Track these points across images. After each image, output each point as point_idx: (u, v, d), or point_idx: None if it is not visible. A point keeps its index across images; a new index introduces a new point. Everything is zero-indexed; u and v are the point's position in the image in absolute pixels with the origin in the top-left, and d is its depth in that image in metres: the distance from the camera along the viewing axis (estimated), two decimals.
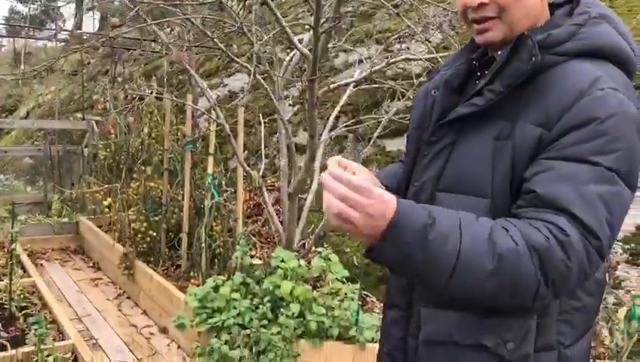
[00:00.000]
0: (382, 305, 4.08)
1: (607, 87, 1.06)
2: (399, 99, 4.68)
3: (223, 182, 4.61)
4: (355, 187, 0.95)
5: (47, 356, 3.09)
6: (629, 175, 1.04)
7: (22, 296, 3.98)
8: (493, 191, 1.10)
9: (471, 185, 1.12)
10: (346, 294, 3.37)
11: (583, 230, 0.99)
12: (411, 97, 3.70)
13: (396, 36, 4.78)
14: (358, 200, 0.94)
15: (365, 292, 3.75)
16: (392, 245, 0.97)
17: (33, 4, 17.16)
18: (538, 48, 1.09)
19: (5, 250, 5.10)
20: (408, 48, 5.82)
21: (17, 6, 17.73)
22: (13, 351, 3.13)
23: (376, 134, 3.67)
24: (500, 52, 1.17)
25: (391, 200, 0.97)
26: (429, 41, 5.84)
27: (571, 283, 1.01)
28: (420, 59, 3.40)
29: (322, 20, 2.51)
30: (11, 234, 3.70)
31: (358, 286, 3.38)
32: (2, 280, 4.24)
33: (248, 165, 4.95)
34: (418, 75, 4.76)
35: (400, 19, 5.91)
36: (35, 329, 3.15)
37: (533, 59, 1.08)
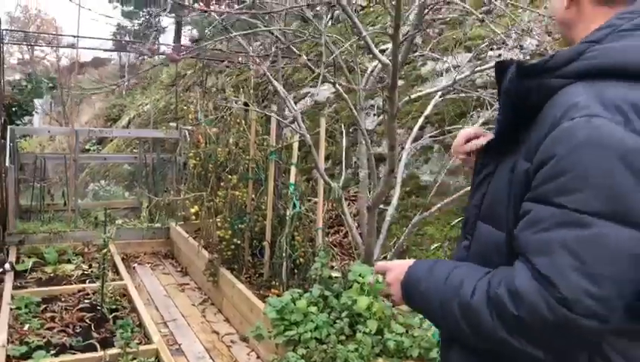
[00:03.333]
0: None
1: (581, 115, 0.92)
2: (487, 109, 4.47)
3: (306, 192, 4.62)
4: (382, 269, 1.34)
5: (132, 359, 3.20)
6: (617, 214, 0.88)
7: (113, 298, 4.17)
8: (508, 227, 1.06)
9: (494, 218, 1.11)
10: None
11: (540, 279, 0.92)
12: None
13: (487, 43, 4.58)
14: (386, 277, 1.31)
15: None
16: (404, 297, 1.25)
17: (138, 19, 18.32)
18: (543, 71, 1.01)
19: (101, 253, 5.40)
20: (500, 56, 5.58)
21: (124, 21, 19.00)
22: (102, 352, 3.27)
23: None
24: None
25: (403, 266, 1.25)
26: (522, 47, 5.57)
27: (536, 333, 0.94)
28: None
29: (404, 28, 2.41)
30: (104, 239, 3.89)
31: None
32: (96, 283, 4.48)
33: (332, 175, 4.93)
34: None
35: (492, 26, 5.67)
36: (122, 333, 3.28)
37: (509, 85, 1.03)
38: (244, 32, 3.17)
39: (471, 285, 1.04)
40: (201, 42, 2.24)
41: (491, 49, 5.56)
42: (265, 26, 3.63)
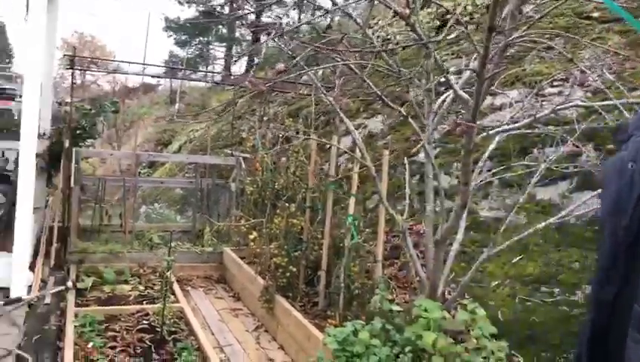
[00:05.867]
0: None
1: None
2: (551, 146, 4.42)
3: (362, 223, 4.62)
4: None
5: None
6: None
7: (172, 320, 4.23)
8: None
9: None
10: (492, 352, 3.17)
11: None
12: (573, 144, 3.46)
13: (550, 80, 4.55)
14: None
15: (512, 352, 3.49)
16: None
17: (190, 47, 18.89)
18: None
19: (157, 274, 5.49)
20: (560, 92, 5.53)
21: (176, 49, 19.63)
22: None
23: (533, 181, 3.46)
24: None
25: None
26: (583, 85, 5.51)
27: None
28: (589, 105, 3.16)
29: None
30: (167, 261, 3.96)
31: (503, 343, 3.16)
32: (155, 303, 4.55)
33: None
34: (572, 122, 4.48)
35: (553, 63, 5.63)
36: (185, 356, 3.31)
37: None
38: (325, 66, 3.25)
39: None
40: (284, 74, 2.31)
41: (551, 85, 5.54)
42: (328, 56, 3.73)
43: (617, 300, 1.05)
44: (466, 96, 2.47)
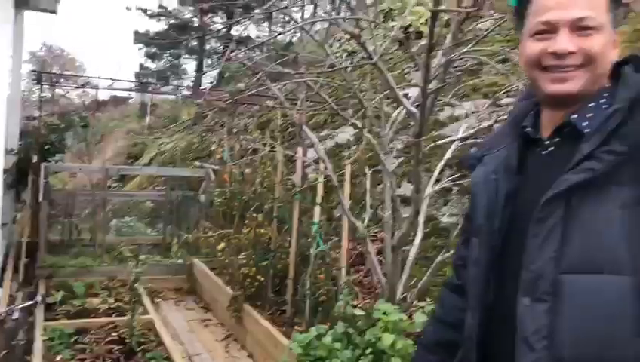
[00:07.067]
0: None
1: None
2: None
3: (328, 231, 4.76)
4: None
5: None
6: None
7: (140, 332, 4.29)
8: (635, 266, 1.00)
9: (603, 262, 1.01)
10: None
11: None
12: None
13: (504, 91, 4.78)
14: None
15: None
16: None
17: (160, 60, 18.91)
18: None
19: (127, 287, 5.54)
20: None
21: (146, 62, 19.61)
22: None
23: None
24: (575, 115, 1.11)
25: None
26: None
27: None
28: None
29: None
30: (135, 273, 4.04)
31: None
32: (125, 316, 4.61)
33: (353, 215, 5.08)
34: None
35: (509, 74, 5.86)
36: None
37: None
38: (284, 83, 3.39)
39: None
40: (245, 93, 2.44)
41: (507, 96, 5.78)
42: (291, 71, 3.88)
43: (499, 300, 1.17)
44: (414, 110, 2.63)
